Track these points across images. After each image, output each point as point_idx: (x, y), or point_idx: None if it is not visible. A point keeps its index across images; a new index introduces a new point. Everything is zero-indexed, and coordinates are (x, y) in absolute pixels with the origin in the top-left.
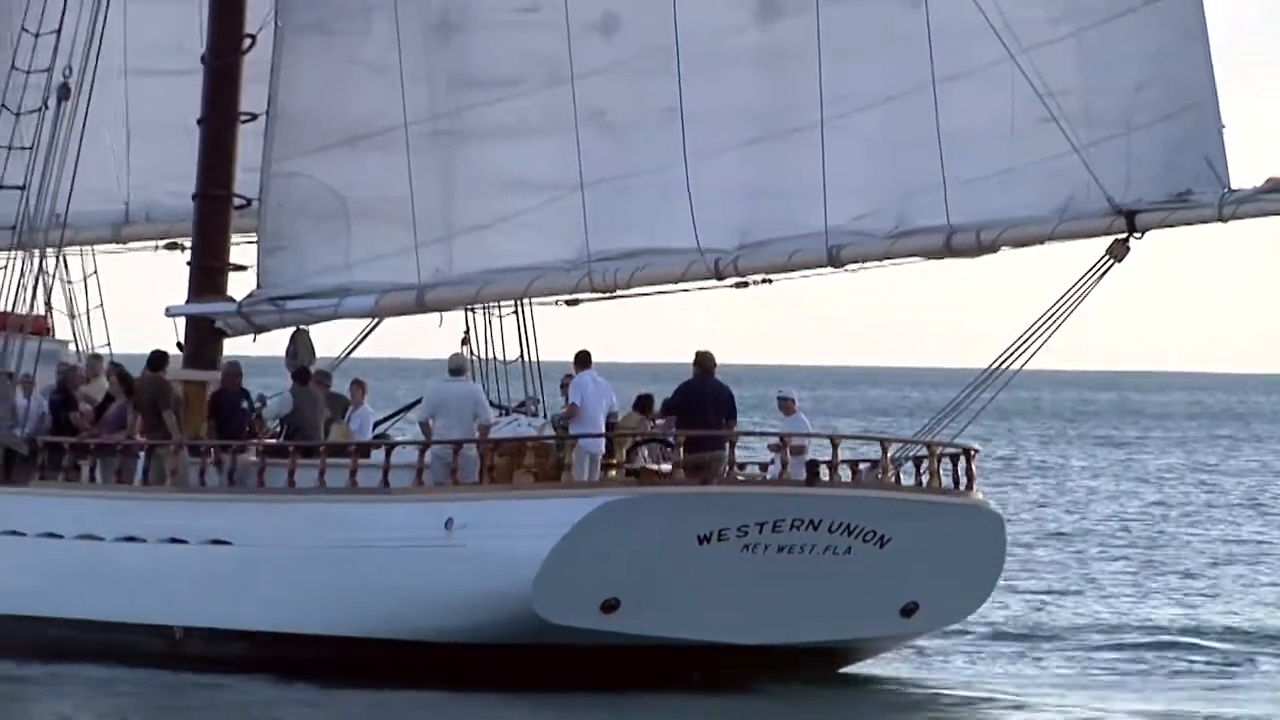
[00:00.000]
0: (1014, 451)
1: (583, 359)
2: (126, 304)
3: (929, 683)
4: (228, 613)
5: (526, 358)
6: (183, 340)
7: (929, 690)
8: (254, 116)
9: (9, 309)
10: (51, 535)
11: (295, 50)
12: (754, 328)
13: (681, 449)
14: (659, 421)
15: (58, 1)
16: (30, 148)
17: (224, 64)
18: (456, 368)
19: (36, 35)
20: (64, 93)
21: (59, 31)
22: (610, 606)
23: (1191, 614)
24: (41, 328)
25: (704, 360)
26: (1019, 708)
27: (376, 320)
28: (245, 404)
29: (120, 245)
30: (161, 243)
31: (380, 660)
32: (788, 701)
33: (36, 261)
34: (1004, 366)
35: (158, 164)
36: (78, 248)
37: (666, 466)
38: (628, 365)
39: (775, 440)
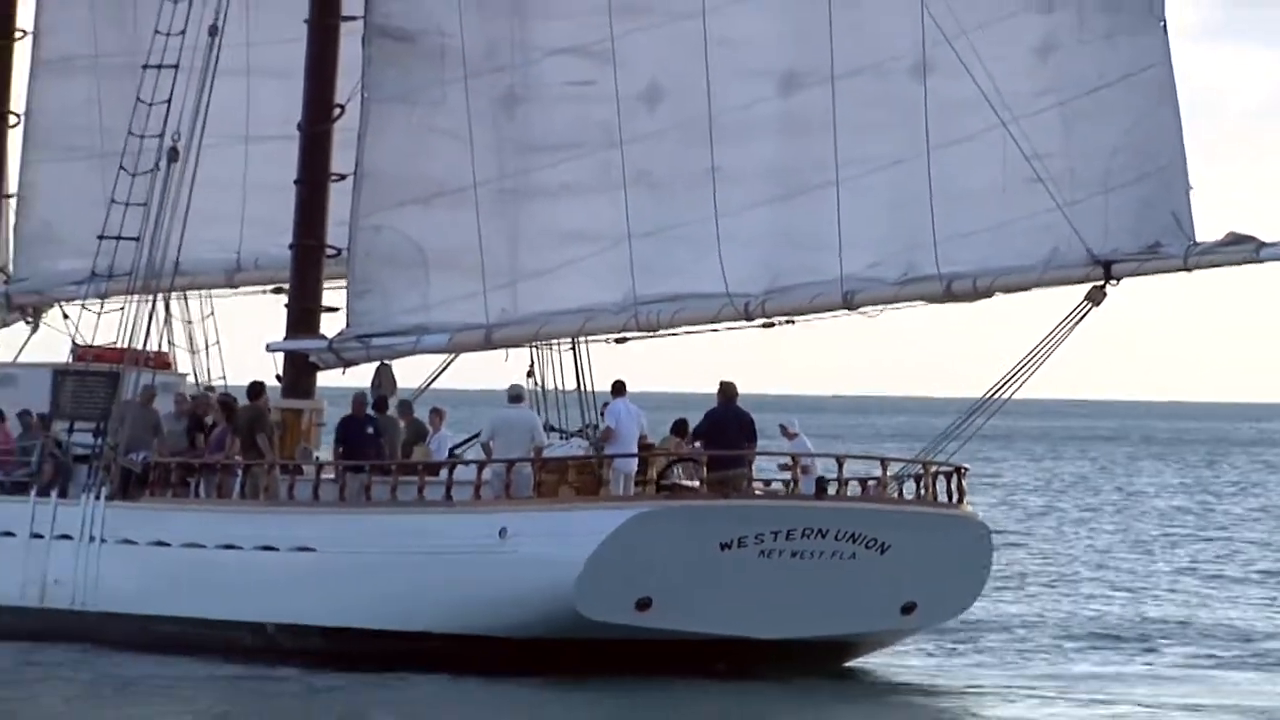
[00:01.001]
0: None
1: (618, 388)
2: (237, 340)
3: (928, 673)
4: (312, 611)
5: (582, 388)
6: (281, 372)
7: (928, 682)
8: (343, 177)
9: (135, 346)
10: (160, 544)
11: (379, 118)
12: (772, 361)
13: (706, 467)
14: (697, 444)
15: (168, 76)
16: (144, 204)
17: (317, 131)
18: (515, 396)
19: (150, 105)
20: (173, 156)
21: (169, 102)
22: (643, 605)
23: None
24: (163, 363)
25: (727, 390)
26: (1007, 699)
27: (452, 356)
28: (370, 429)
29: (233, 289)
30: (269, 287)
31: (442, 652)
32: (801, 690)
33: (158, 304)
34: (994, 397)
35: (265, 218)
36: (197, 291)
37: (696, 482)
38: (662, 394)
39: (786, 460)
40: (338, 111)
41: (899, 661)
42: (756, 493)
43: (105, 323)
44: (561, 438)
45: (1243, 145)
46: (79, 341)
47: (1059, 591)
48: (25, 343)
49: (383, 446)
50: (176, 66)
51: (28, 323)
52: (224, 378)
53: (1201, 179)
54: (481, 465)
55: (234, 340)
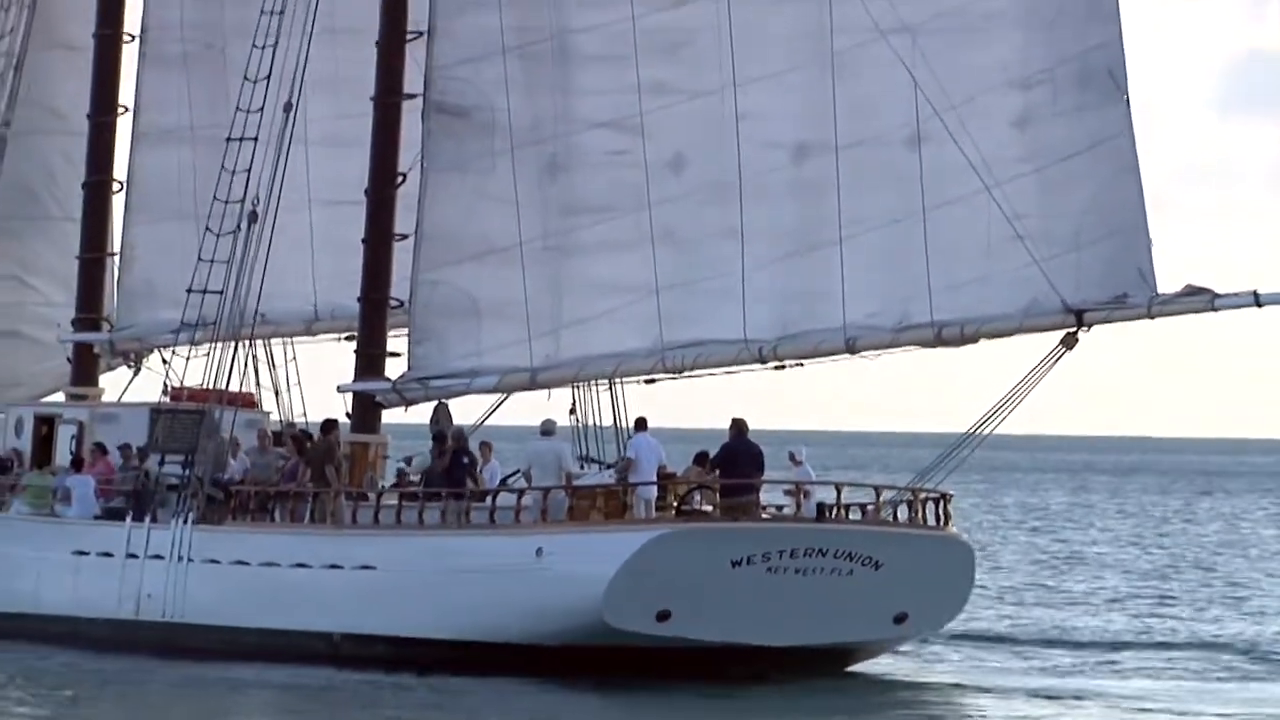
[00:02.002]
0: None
1: (640, 423)
2: (314, 382)
3: (920, 678)
4: (374, 622)
5: (617, 423)
6: (350, 410)
7: (920, 684)
8: (405, 236)
9: (224, 388)
10: (241, 563)
11: (437, 185)
12: (779, 399)
13: (720, 494)
14: (716, 473)
15: (249, 147)
16: (228, 261)
17: (382, 196)
18: (546, 430)
19: (233, 173)
20: (253, 218)
21: (249, 170)
22: (663, 616)
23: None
24: (249, 402)
25: (739, 425)
26: (992, 694)
27: (505, 396)
28: (465, 459)
29: (311, 337)
30: (342, 335)
31: (486, 658)
32: (806, 693)
33: (244, 349)
34: (978, 432)
35: (338, 274)
36: (280, 338)
37: (710, 507)
38: (680, 429)
39: (792, 486)
40: (400, 179)
41: (894, 665)
42: (764, 516)
43: (198, 366)
44: (600, 468)
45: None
46: (173, 383)
47: (1035, 602)
48: (128, 385)
49: (475, 476)
50: (255, 139)
51: (130, 366)
52: (304, 415)
53: (1163, 234)
54: (521, 492)
55: (312, 382)
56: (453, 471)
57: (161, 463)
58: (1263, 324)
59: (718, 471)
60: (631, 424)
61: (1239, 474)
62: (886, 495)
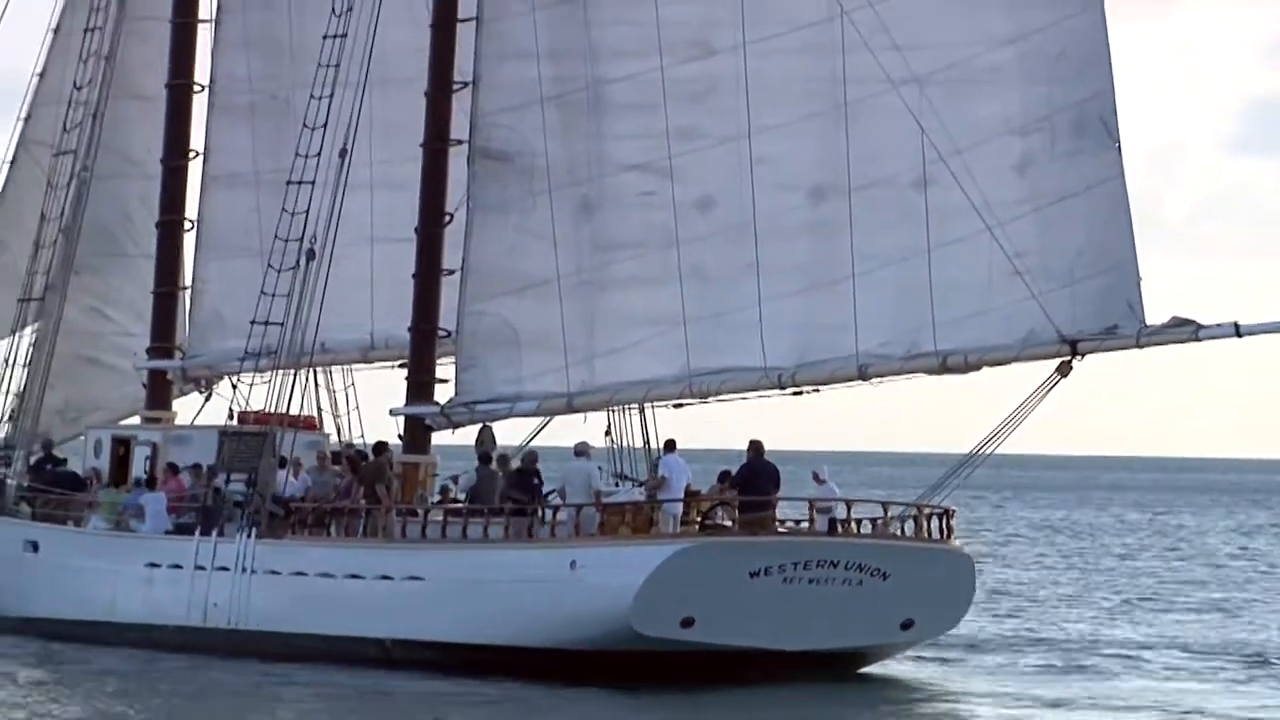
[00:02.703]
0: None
1: (669, 445)
2: (370, 406)
3: (927, 681)
4: (421, 628)
5: (648, 444)
6: (402, 432)
7: (927, 687)
8: (452, 271)
9: (286, 411)
10: (300, 574)
11: (481, 224)
12: (794, 422)
13: (739, 510)
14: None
15: (307, 190)
16: (288, 295)
17: (431, 233)
18: (579, 451)
19: (293, 214)
20: (310, 255)
21: (307, 211)
22: (687, 622)
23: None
24: (310, 425)
25: (756, 446)
26: (991, 698)
27: (547, 419)
28: (536, 480)
29: (367, 364)
30: (396, 362)
31: (524, 662)
32: (820, 693)
33: (306, 376)
34: (979, 452)
35: (392, 306)
36: (339, 366)
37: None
38: (705, 449)
39: (818, 501)
40: (448, 218)
41: (904, 669)
42: (780, 531)
43: (264, 392)
44: (633, 485)
45: None
46: (239, 407)
47: (1036, 612)
48: (200, 409)
49: (541, 493)
50: (313, 182)
51: (200, 392)
52: (362, 437)
53: (1151, 270)
54: (556, 509)
55: (368, 406)
56: (521, 488)
57: (228, 481)
58: None
59: (738, 489)
60: (661, 445)
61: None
62: (894, 511)
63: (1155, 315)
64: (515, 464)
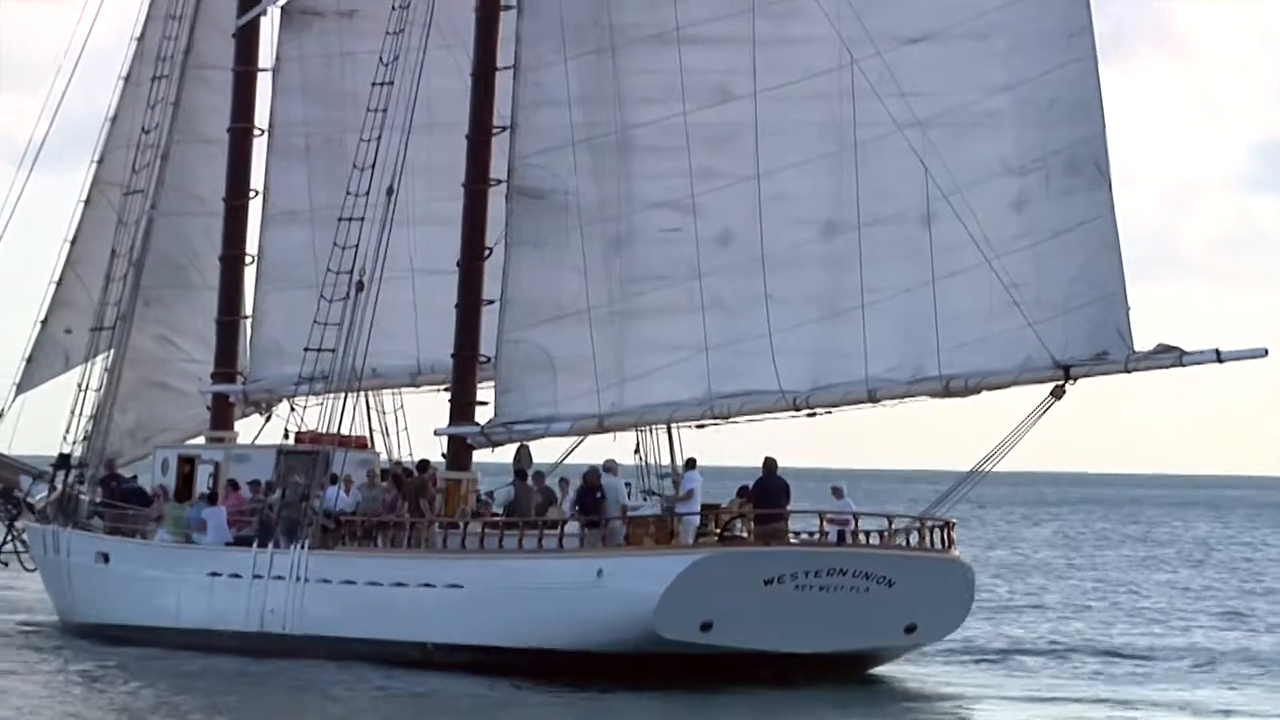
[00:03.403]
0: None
1: (690, 462)
2: (417, 426)
3: (930, 680)
4: (460, 633)
5: (674, 462)
6: (445, 451)
7: (930, 687)
8: (492, 302)
9: (339, 432)
10: (349, 582)
11: (518, 257)
12: (807, 440)
13: (754, 522)
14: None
15: (356, 226)
16: (339, 324)
17: (472, 266)
18: (606, 468)
19: (344, 248)
20: (360, 287)
21: (357, 246)
22: (706, 626)
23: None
24: (362, 444)
25: (769, 464)
26: (989, 697)
27: (580, 438)
28: (599, 494)
29: (415, 388)
30: (442, 386)
31: (555, 665)
32: (829, 693)
33: (358, 399)
34: (981, 470)
35: (437, 334)
36: (389, 390)
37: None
38: (723, 467)
39: (829, 514)
40: (487, 252)
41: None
42: (791, 541)
43: (320, 413)
44: (660, 500)
45: None
46: (295, 427)
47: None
48: (260, 430)
49: (605, 506)
50: (362, 219)
51: (260, 414)
52: (410, 455)
53: (1139, 299)
54: (584, 522)
55: (416, 426)
56: (585, 502)
57: (283, 496)
58: None
59: (753, 503)
60: (683, 463)
61: None
62: (898, 523)
63: (1143, 342)
64: (578, 479)
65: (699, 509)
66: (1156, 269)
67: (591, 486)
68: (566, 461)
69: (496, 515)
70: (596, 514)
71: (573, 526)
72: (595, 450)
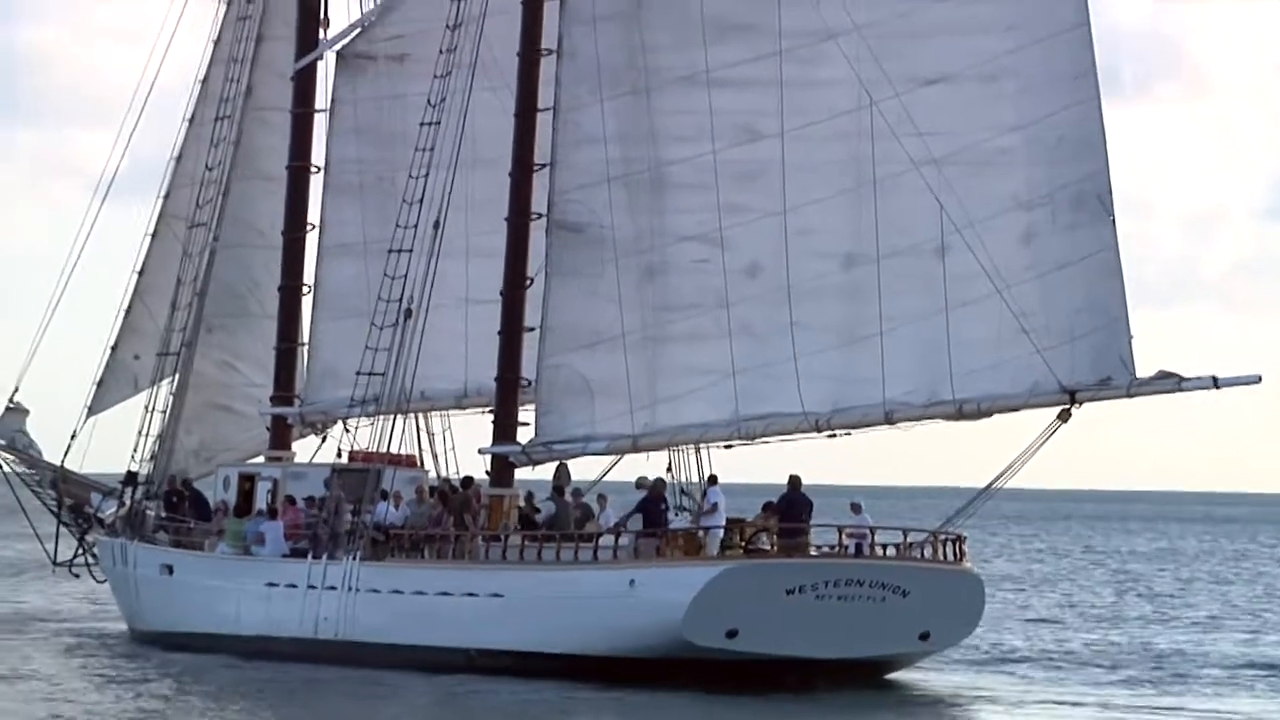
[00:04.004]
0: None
1: (712, 479)
2: (465, 446)
3: (942, 684)
4: (501, 639)
5: (702, 479)
6: (489, 469)
7: (942, 689)
8: (533, 328)
9: (389, 451)
10: (397, 592)
11: (558, 287)
12: (831, 458)
13: (778, 536)
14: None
15: (405, 258)
16: (388, 349)
17: (514, 296)
18: (639, 484)
19: (393, 278)
20: (408, 314)
21: (405, 276)
22: (732, 634)
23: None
24: (411, 462)
25: (794, 481)
26: (995, 701)
27: (617, 458)
28: (664, 505)
29: (461, 410)
30: (486, 408)
31: (590, 669)
32: (849, 697)
33: (408, 420)
34: (993, 487)
35: (482, 359)
36: (437, 412)
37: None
38: (749, 483)
39: (850, 529)
40: (529, 282)
41: (924, 676)
42: (812, 554)
43: (372, 433)
44: (689, 515)
45: None
46: (347, 447)
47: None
48: (317, 450)
49: (667, 517)
50: (410, 251)
51: (317, 434)
52: (457, 473)
53: (1141, 327)
54: (617, 535)
55: (462, 446)
56: (649, 514)
57: (336, 511)
58: None
59: (778, 517)
60: (706, 479)
61: None
62: (912, 537)
63: (1188, 365)
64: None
65: (723, 523)
66: (1177, 294)
67: (657, 497)
68: (605, 479)
69: (538, 528)
70: (661, 524)
71: (608, 538)
72: (631, 468)
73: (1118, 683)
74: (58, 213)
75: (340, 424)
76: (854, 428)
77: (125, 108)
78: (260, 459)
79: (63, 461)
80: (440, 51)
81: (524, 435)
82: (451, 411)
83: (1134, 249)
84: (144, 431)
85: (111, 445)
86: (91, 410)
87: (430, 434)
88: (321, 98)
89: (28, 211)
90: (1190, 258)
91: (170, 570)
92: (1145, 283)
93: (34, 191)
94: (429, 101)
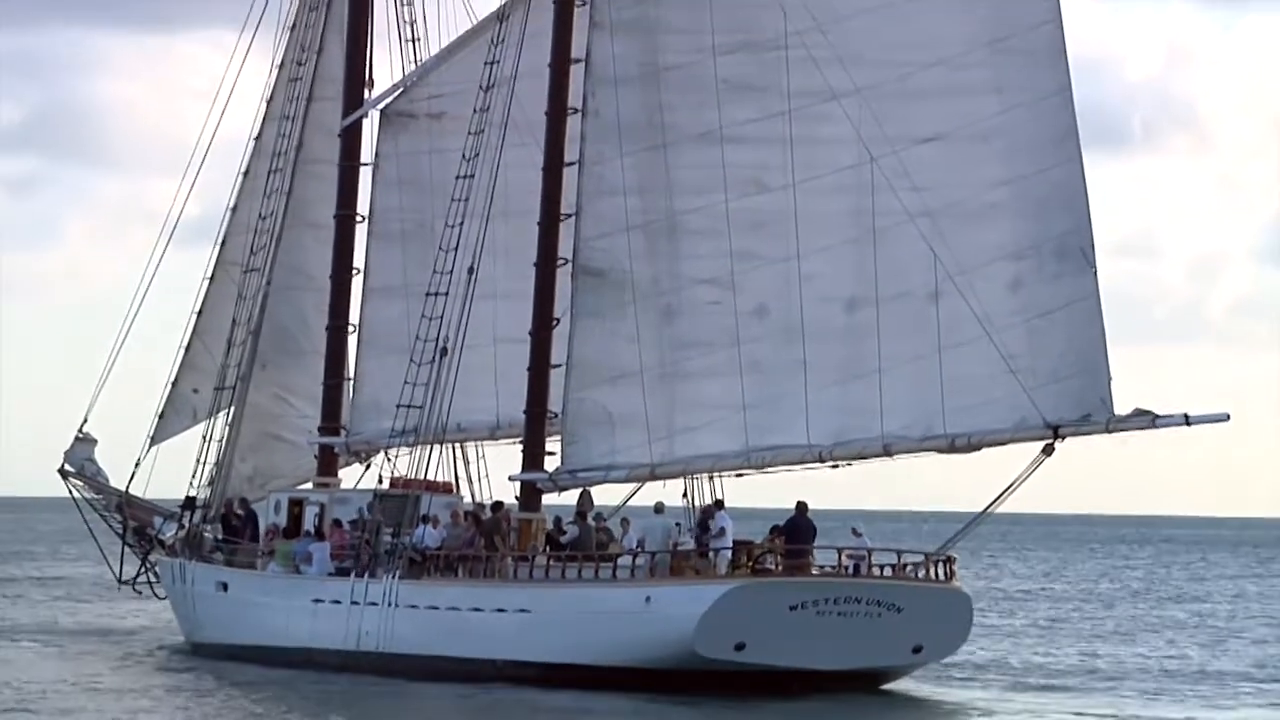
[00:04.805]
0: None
1: (719, 504)
2: (497, 473)
3: (934, 695)
4: (527, 651)
5: (715, 502)
6: (518, 494)
7: (933, 700)
8: (559, 365)
9: (428, 477)
10: (433, 607)
11: (582, 327)
12: (835, 484)
13: (783, 556)
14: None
15: (442, 300)
16: (425, 384)
17: (542, 335)
18: (657, 509)
19: (429, 319)
20: (444, 352)
21: (441, 317)
22: (739, 646)
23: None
24: (448, 488)
25: (801, 506)
26: (989, 713)
27: (638, 485)
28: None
29: (494, 441)
30: (517, 439)
31: (609, 679)
32: (848, 704)
33: (445, 450)
34: (986, 512)
35: (513, 394)
36: (472, 442)
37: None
38: (759, 508)
39: (849, 550)
40: (555, 322)
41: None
42: (814, 573)
43: (411, 461)
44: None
45: None
46: (388, 474)
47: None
48: (361, 476)
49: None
50: (446, 294)
51: (361, 462)
52: (490, 498)
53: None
54: (635, 556)
55: (495, 473)
56: (701, 534)
57: (377, 533)
58: None
59: (783, 539)
60: (714, 504)
61: None
62: (906, 558)
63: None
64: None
65: (731, 544)
66: (1183, 332)
67: (708, 516)
68: (629, 503)
69: (563, 548)
70: (706, 544)
71: (626, 558)
72: (650, 495)
73: (1103, 692)
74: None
75: (382, 453)
76: (855, 459)
77: (196, 159)
78: (309, 485)
79: (127, 487)
80: (474, 110)
81: (551, 464)
82: (485, 442)
83: (1143, 289)
84: (201, 460)
85: (172, 472)
86: (154, 440)
87: (466, 462)
88: (366, 152)
89: (111, 254)
90: (1195, 296)
91: (225, 587)
92: (1153, 320)
93: (117, 236)
94: (464, 156)
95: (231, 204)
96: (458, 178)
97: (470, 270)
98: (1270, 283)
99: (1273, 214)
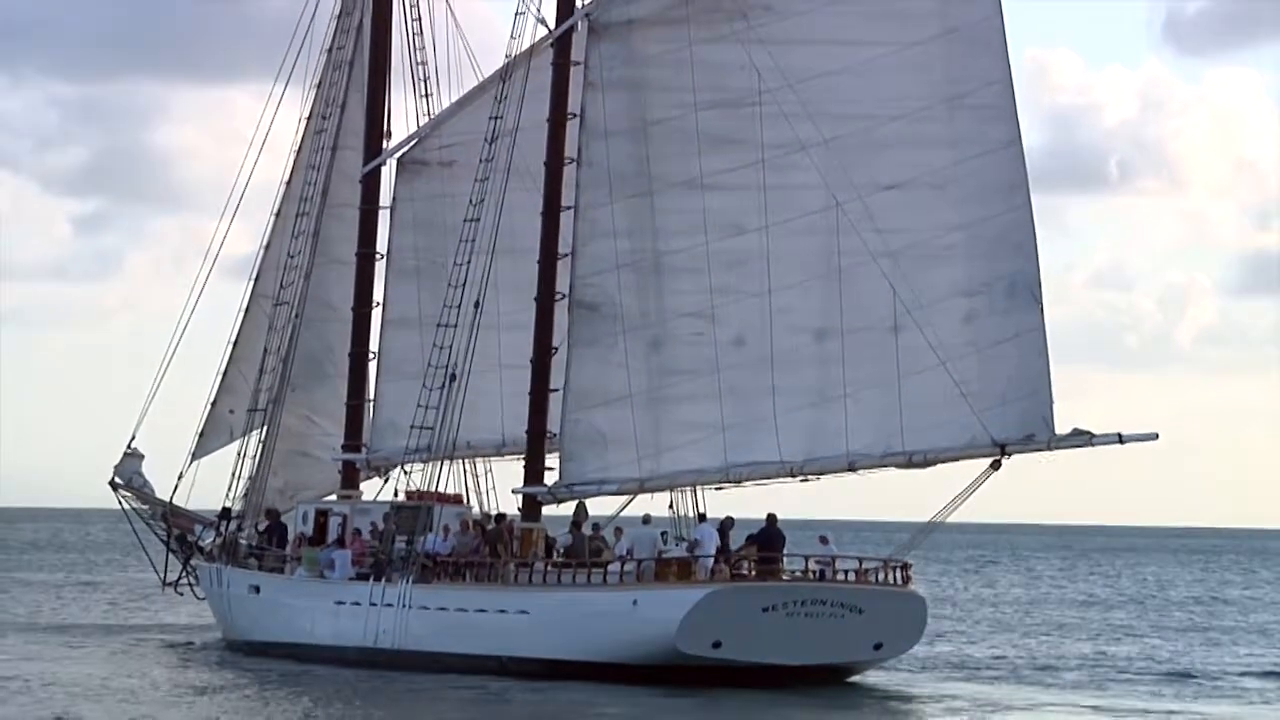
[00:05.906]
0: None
1: (701, 516)
2: (503, 487)
3: (893, 686)
4: (528, 649)
5: (699, 516)
6: (520, 506)
7: (899, 691)
8: (557, 390)
9: (439, 490)
10: (443, 609)
11: (577, 356)
12: (804, 496)
13: (756, 563)
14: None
15: (451, 331)
16: (436, 407)
17: (542, 362)
18: (644, 520)
19: (439, 348)
20: (453, 378)
21: (450, 346)
22: (717, 644)
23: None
24: (458, 500)
25: (771, 518)
26: (940, 701)
27: (630, 498)
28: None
29: (500, 457)
30: (521, 456)
31: (600, 674)
32: (817, 696)
33: (454, 465)
34: (936, 521)
35: (516, 415)
36: (480, 458)
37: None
38: (737, 518)
39: (814, 556)
40: (554, 351)
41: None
42: (784, 578)
43: (425, 476)
44: (686, 545)
45: None
46: (402, 487)
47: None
48: (380, 489)
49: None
50: (455, 325)
51: (380, 477)
52: (496, 509)
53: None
54: (623, 563)
55: (501, 487)
56: (724, 543)
57: (393, 541)
58: None
59: (757, 548)
60: (695, 516)
61: None
62: (867, 564)
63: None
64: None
65: (713, 553)
66: (1154, 360)
67: (726, 530)
68: (622, 514)
69: (558, 554)
70: (728, 551)
71: (615, 565)
72: (640, 506)
73: (1053, 686)
74: (190, 289)
75: (399, 468)
76: (822, 474)
77: (244, 201)
78: (333, 497)
79: (171, 498)
80: (480, 159)
81: (550, 478)
82: (492, 458)
83: (1116, 318)
84: (237, 474)
85: (211, 485)
86: (194, 455)
87: (475, 476)
88: (385, 196)
89: (170, 288)
90: (1165, 326)
91: (257, 590)
92: (1125, 347)
93: (176, 272)
94: (471, 200)
95: (264, 243)
96: (465, 220)
97: (476, 304)
98: (1235, 313)
99: (1237, 249)
